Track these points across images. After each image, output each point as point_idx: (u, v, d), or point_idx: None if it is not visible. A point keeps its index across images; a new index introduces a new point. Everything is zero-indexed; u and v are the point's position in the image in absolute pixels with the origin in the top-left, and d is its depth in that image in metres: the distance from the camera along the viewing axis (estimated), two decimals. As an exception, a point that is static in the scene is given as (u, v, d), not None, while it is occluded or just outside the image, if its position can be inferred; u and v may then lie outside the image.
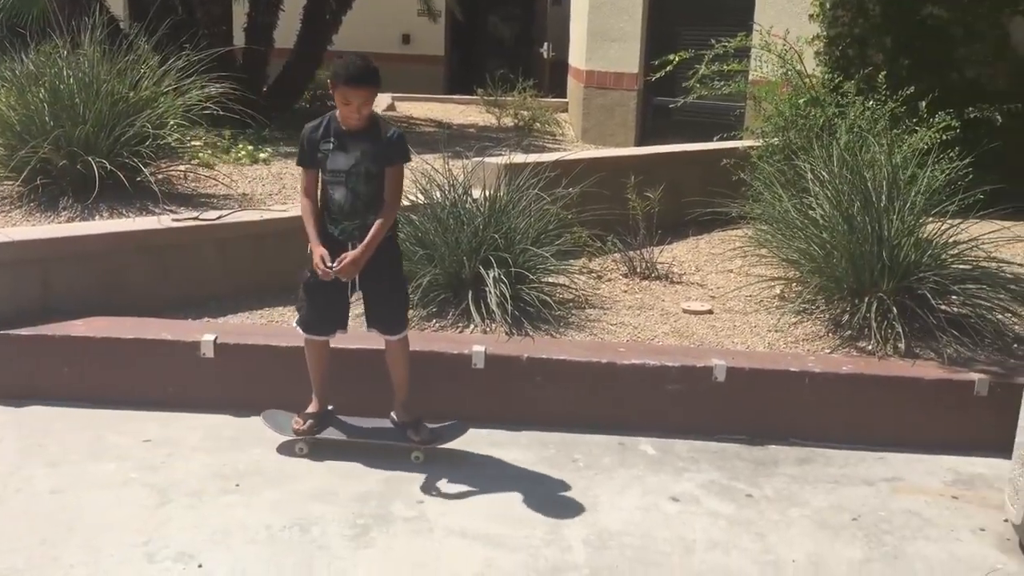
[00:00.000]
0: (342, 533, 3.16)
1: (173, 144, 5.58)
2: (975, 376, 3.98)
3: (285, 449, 3.73)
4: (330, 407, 3.79)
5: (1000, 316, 4.46)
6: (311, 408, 3.72)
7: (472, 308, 4.47)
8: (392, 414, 3.76)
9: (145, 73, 5.70)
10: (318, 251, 3.43)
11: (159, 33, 6.30)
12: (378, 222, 3.43)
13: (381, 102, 11.57)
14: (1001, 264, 4.64)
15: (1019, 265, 4.87)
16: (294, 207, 5.46)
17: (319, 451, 3.69)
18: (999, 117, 5.90)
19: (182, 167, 5.92)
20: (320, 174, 3.53)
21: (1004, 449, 3.34)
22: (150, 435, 3.80)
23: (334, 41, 9.90)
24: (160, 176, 5.58)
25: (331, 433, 3.73)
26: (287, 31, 9.72)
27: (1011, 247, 5.01)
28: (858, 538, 3.28)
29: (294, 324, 3.75)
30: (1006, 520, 3.31)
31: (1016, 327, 4.43)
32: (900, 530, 3.34)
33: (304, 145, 3.53)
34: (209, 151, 6.42)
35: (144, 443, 3.74)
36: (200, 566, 2.94)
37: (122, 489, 3.39)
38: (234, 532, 3.14)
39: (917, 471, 3.79)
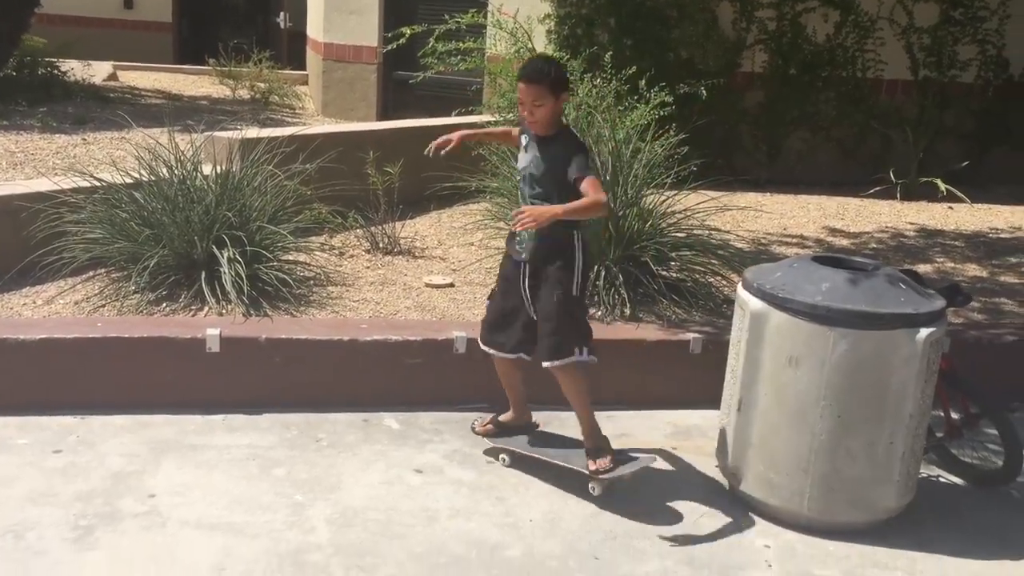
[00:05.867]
0: (62, 536, 2.94)
1: None
2: (690, 336, 4.33)
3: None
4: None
5: (711, 279, 4.87)
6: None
7: (206, 290, 4.29)
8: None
9: None
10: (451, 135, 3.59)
11: None
12: (576, 204, 3.19)
13: (101, 71, 10.72)
14: (711, 232, 5.07)
15: (726, 232, 5.34)
16: (-2, 186, 4.98)
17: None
18: (704, 91, 6.40)
19: None
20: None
21: (716, 401, 3.66)
22: None
23: (42, 3, 9.04)
24: None
25: (514, 444, 3.67)
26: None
27: (720, 216, 5.49)
28: (591, 493, 3.48)
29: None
30: (717, 465, 3.63)
31: (725, 289, 4.85)
32: (626, 482, 3.57)
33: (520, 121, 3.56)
34: None
35: None
36: None
37: None
38: (-66, 548, 2.84)
39: (642, 426, 4.08)
